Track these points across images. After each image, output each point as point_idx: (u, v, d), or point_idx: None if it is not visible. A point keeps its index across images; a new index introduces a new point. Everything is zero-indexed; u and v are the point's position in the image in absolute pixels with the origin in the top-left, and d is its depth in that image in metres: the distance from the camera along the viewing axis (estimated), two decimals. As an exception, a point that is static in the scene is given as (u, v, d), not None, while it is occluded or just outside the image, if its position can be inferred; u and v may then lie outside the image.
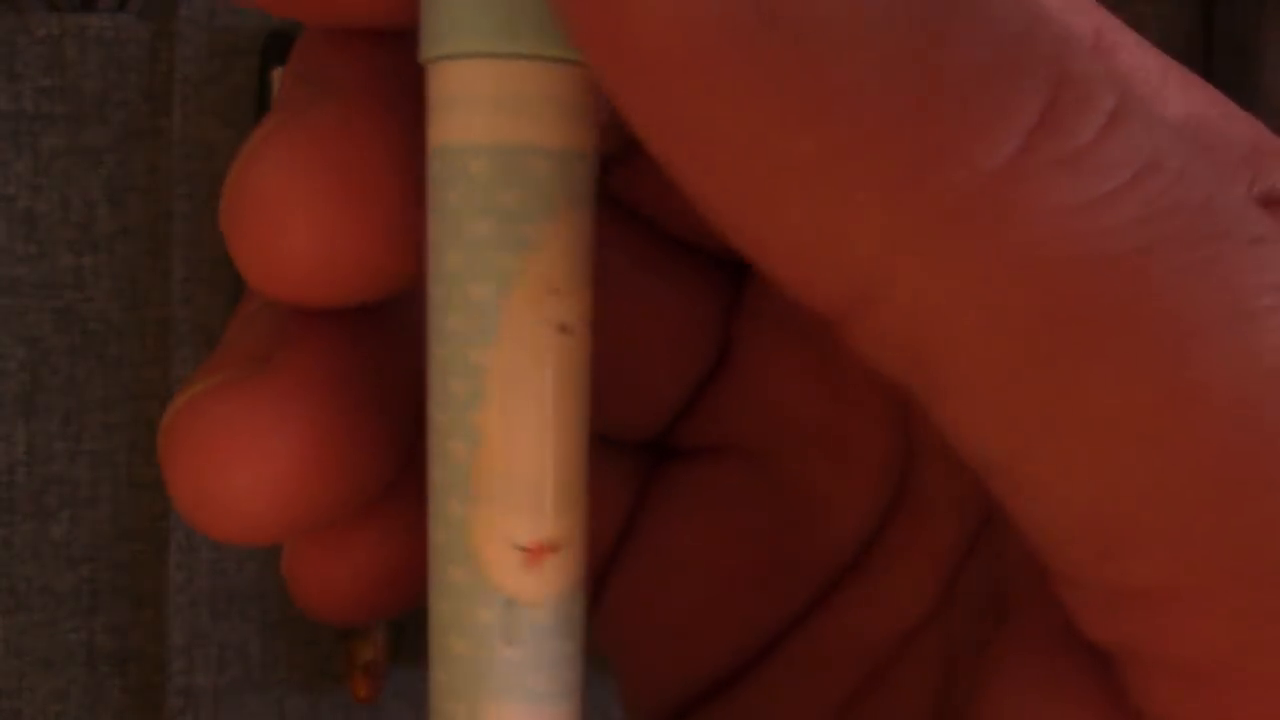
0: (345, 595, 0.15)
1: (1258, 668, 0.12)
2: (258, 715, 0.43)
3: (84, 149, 0.43)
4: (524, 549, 0.14)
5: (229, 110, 0.43)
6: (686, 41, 0.12)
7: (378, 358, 0.15)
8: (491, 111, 0.14)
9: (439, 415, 0.14)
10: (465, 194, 0.14)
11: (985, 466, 0.13)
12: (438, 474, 0.14)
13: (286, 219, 0.14)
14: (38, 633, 0.43)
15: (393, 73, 0.15)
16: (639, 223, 0.16)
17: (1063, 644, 0.14)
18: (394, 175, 0.14)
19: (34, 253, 0.43)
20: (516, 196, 0.14)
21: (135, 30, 0.43)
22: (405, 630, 0.43)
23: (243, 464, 0.14)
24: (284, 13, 0.14)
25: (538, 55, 0.14)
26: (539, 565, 0.14)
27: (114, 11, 0.43)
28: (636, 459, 0.18)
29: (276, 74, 0.43)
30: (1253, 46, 0.42)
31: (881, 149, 0.12)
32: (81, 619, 0.43)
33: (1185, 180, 0.12)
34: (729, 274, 0.17)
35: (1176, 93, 0.15)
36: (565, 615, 0.14)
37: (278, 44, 0.43)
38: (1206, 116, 0.15)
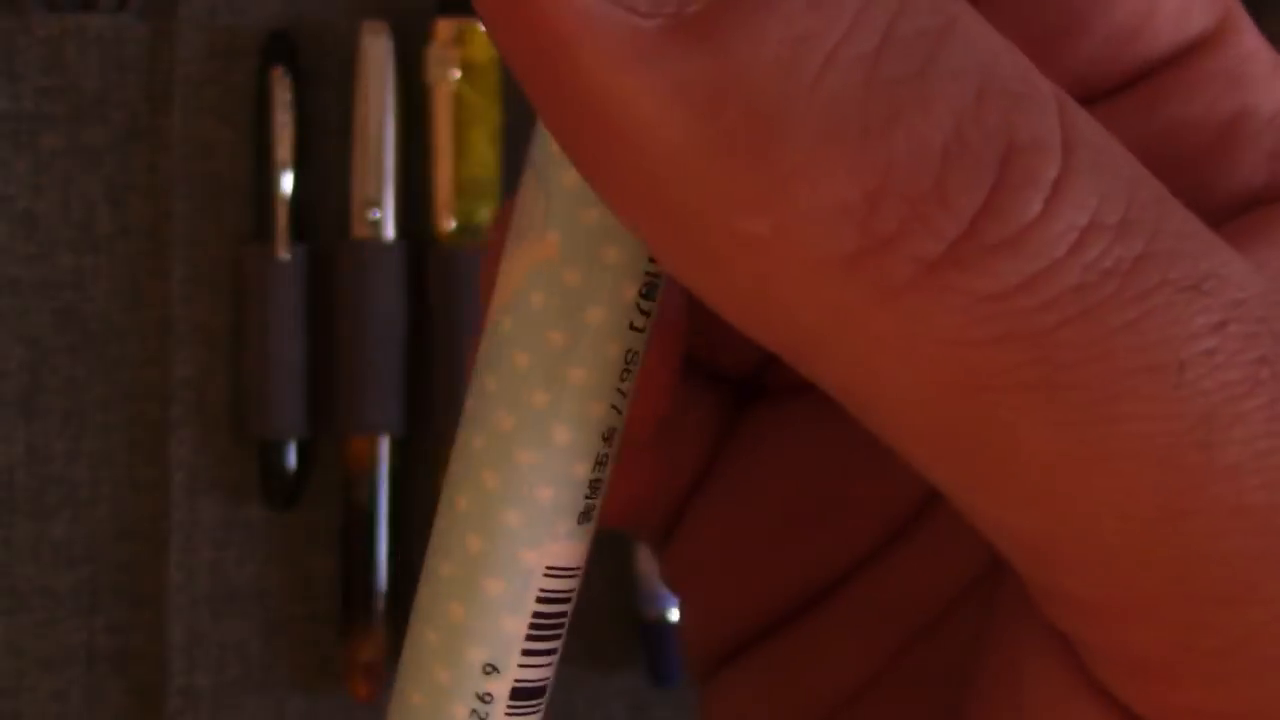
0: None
1: (1191, 666, 0.13)
2: (258, 715, 0.43)
3: (84, 149, 0.43)
4: None
5: (229, 110, 0.43)
6: (633, 113, 0.12)
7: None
8: None
9: None
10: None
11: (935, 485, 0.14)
12: None
13: None
14: (38, 633, 0.43)
15: None
16: None
17: (1041, 621, 0.14)
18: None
19: (34, 253, 0.43)
20: None
21: (135, 30, 0.43)
22: (405, 630, 0.43)
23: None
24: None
25: None
26: None
27: (114, 11, 0.43)
28: (731, 394, 0.19)
29: (276, 74, 0.43)
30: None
31: (825, 235, 0.12)
32: (81, 619, 0.43)
33: (1125, 230, 0.12)
34: None
35: None
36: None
37: (278, 44, 0.43)
38: None
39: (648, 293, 0.15)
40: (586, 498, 0.15)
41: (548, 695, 0.16)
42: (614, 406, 0.15)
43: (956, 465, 0.13)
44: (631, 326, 0.15)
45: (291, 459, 0.43)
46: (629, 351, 0.15)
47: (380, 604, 0.43)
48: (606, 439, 0.15)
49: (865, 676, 0.18)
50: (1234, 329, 0.12)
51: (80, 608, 0.43)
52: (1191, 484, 0.12)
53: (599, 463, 0.15)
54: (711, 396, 0.19)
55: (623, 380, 0.15)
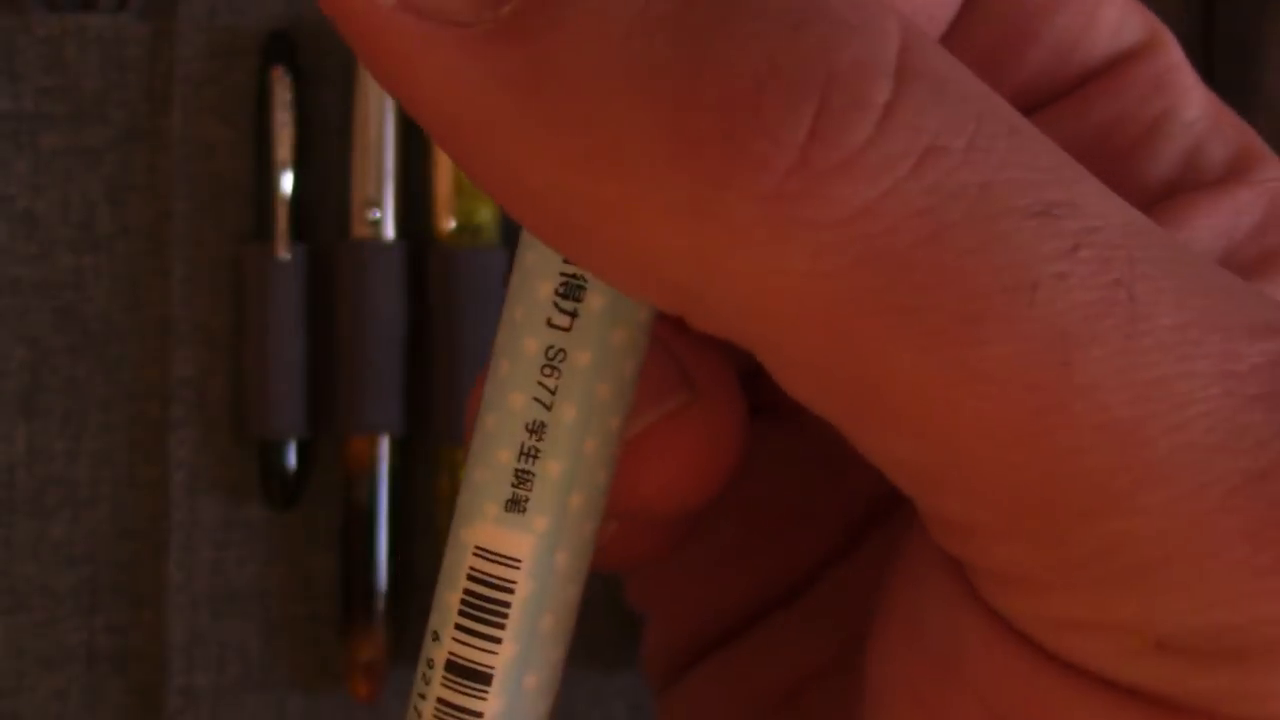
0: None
1: (1054, 579, 0.13)
2: (258, 715, 0.43)
3: (84, 149, 0.43)
4: None
5: (229, 110, 0.43)
6: (468, 109, 0.13)
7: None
8: None
9: None
10: None
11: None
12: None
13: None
14: (38, 633, 0.43)
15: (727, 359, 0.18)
16: None
17: (931, 547, 0.15)
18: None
19: (34, 253, 0.43)
20: None
21: (135, 30, 0.43)
22: (405, 630, 0.43)
23: (689, 469, 0.18)
24: None
25: None
26: None
27: (114, 11, 0.43)
28: None
29: (276, 74, 0.43)
30: (1253, 46, 0.42)
31: (662, 187, 0.13)
32: (81, 619, 0.43)
33: (970, 157, 0.13)
34: None
35: (1203, 96, 0.17)
36: None
37: (278, 44, 0.43)
38: (1219, 118, 0.17)
39: (565, 292, 0.16)
40: (513, 485, 0.16)
41: (499, 687, 0.16)
42: (536, 399, 0.16)
43: (839, 397, 0.13)
44: (549, 323, 0.16)
45: (291, 459, 0.43)
46: (549, 348, 0.16)
47: (380, 604, 0.43)
48: (531, 431, 0.16)
49: (815, 669, 0.19)
50: (1086, 254, 0.13)
51: (80, 608, 0.43)
52: (1052, 402, 0.13)
53: (524, 454, 0.16)
54: None
55: (545, 375, 0.16)
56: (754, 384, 0.19)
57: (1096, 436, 0.13)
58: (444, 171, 0.43)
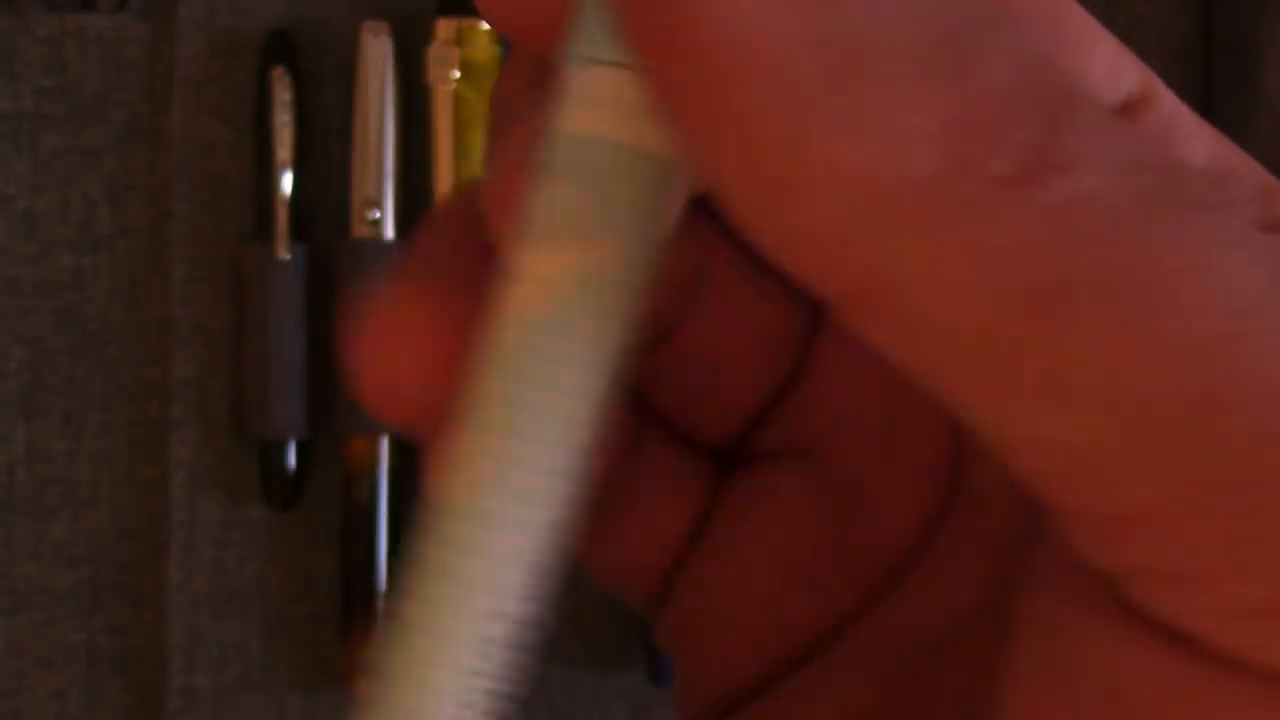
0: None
1: (1231, 564, 0.14)
2: (258, 715, 0.43)
3: (84, 149, 0.43)
4: None
5: (229, 110, 0.43)
6: (749, 47, 0.14)
7: None
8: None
9: None
10: None
11: (983, 431, 0.15)
12: None
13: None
14: (38, 633, 0.43)
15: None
16: (737, 240, 0.18)
17: (1071, 576, 0.15)
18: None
19: (34, 253, 0.43)
20: None
21: (135, 30, 0.43)
22: (405, 630, 0.43)
23: (409, 359, 0.17)
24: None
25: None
26: None
27: (114, 11, 0.43)
28: (712, 464, 0.20)
29: (276, 74, 0.43)
30: (1253, 46, 0.42)
31: (912, 157, 0.14)
32: (81, 619, 0.43)
33: (1153, 164, 0.15)
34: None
35: (1209, 139, 0.18)
36: None
37: (278, 44, 0.43)
38: (1230, 158, 0.18)
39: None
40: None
41: None
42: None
43: (1007, 382, 0.14)
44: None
45: (291, 459, 0.43)
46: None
47: (380, 604, 0.43)
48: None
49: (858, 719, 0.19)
50: (1249, 240, 0.14)
51: (80, 608, 0.43)
52: (1224, 378, 0.13)
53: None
54: (691, 466, 0.19)
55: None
56: (759, 430, 0.19)
57: (1277, 405, 0.13)
58: (444, 171, 0.43)
